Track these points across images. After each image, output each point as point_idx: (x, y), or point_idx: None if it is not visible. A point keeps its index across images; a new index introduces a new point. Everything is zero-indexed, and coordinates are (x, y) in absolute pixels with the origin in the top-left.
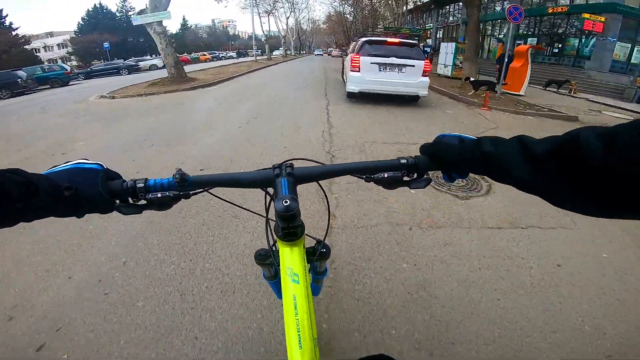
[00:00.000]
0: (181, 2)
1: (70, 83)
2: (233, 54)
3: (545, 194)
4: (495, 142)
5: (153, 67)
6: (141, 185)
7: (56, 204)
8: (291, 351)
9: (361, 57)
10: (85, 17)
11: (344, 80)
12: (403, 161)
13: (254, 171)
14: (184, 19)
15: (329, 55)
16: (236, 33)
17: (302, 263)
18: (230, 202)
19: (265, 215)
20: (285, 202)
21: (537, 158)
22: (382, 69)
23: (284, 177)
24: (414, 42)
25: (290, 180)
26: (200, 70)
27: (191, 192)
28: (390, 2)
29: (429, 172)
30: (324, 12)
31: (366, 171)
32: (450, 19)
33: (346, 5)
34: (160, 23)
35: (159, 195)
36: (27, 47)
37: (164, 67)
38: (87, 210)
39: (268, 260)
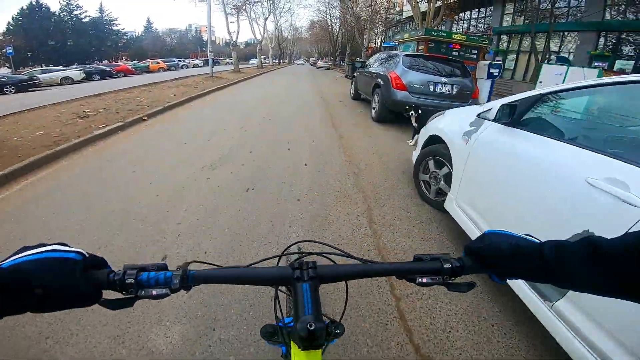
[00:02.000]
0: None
1: None
2: (199, 61)
3: (624, 294)
4: (559, 247)
5: (66, 81)
6: (131, 280)
7: (25, 301)
8: None
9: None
10: (18, 17)
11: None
12: (447, 265)
13: (269, 268)
14: (148, 21)
15: (312, 65)
16: (213, 39)
17: None
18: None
19: (275, 286)
20: (310, 325)
21: (610, 259)
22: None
23: (306, 281)
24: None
25: (314, 285)
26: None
27: (193, 285)
28: None
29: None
30: (306, 19)
31: (405, 273)
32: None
33: (334, 9)
34: None
35: (154, 292)
36: None
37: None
38: (65, 306)
39: (275, 337)
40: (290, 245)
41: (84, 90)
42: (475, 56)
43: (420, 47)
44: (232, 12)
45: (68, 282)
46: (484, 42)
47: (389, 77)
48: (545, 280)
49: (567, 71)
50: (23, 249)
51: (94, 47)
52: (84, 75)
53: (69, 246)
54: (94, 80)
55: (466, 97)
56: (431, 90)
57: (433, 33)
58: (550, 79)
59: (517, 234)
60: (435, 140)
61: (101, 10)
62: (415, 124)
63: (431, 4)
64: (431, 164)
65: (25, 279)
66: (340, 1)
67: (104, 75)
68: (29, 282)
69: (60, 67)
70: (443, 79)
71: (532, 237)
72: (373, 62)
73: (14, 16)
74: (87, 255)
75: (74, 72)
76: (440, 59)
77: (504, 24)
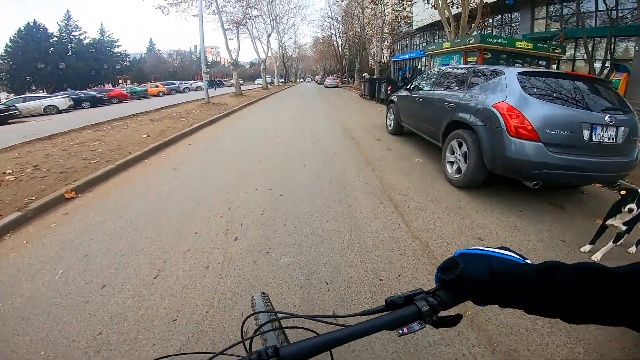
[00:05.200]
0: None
1: None
2: (202, 84)
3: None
4: (555, 270)
5: (50, 110)
6: None
7: None
8: None
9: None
10: (16, 38)
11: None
12: (425, 308)
13: None
14: (150, 42)
15: (318, 83)
16: (218, 60)
17: None
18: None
19: None
20: None
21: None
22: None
23: None
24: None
25: None
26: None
27: None
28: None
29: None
30: (310, 35)
31: (383, 328)
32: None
33: (336, 24)
34: None
35: None
36: None
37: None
38: None
39: None
40: (245, 320)
41: (58, 124)
42: (543, 68)
43: (470, 59)
44: (231, 28)
45: None
46: (556, 51)
47: (497, 113)
48: (534, 312)
49: None
50: None
51: (94, 70)
52: (71, 102)
53: None
54: (83, 108)
55: (631, 147)
56: (586, 139)
57: (491, 40)
58: None
59: (494, 251)
60: None
61: (102, 32)
62: (620, 222)
63: (465, 8)
64: None
65: None
66: (344, 14)
67: (95, 102)
68: None
69: (45, 95)
70: (602, 117)
71: (511, 252)
72: (425, 82)
73: (12, 37)
74: None
75: (60, 100)
76: (576, 78)
77: (535, 30)
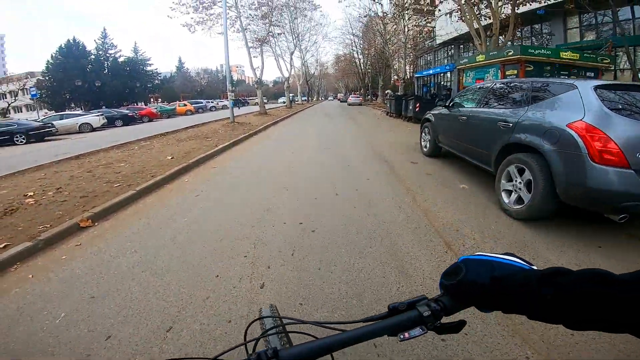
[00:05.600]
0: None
1: None
2: (227, 102)
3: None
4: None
5: (85, 128)
6: None
7: None
8: None
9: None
10: (57, 55)
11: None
12: (426, 313)
13: None
14: (179, 60)
15: (340, 101)
16: (242, 78)
17: None
18: None
19: None
20: None
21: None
22: None
23: None
24: None
25: None
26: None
27: None
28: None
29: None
30: (331, 53)
31: (384, 332)
32: None
33: (357, 40)
34: None
35: None
36: None
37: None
38: None
39: None
40: (249, 325)
41: (89, 142)
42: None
43: (510, 72)
44: (255, 46)
45: None
46: (605, 61)
47: (574, 134)
48: (536, 318)
49: None
50: None
51: (128, 88)
52: (105, 121)
53: None
54: (116, 126)
55: None
56: None
57: (532, 51)
58: None
59: (498, 257)
60: None
61: (135, 50)
62: None
63: (495, 18)
64: None
65: None
66: (365, 30)
67: (127, 120)
68: None
69: (80, 112)
70: None
71: (516, 258)
72: (468, 98)
73: (53, 54)
74: None
75: (94, 118)
76: None
77: (569, 40)
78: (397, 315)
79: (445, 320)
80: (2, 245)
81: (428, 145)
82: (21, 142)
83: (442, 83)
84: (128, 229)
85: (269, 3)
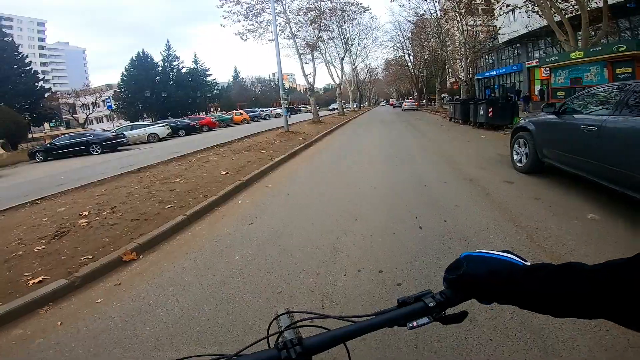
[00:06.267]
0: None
1: None
2: (280, 111)
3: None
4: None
5: (152, 138)
6: None
7: None
8: None
9: None
10: (130, 67)
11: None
12: (432, 303)
13: (255, 354)
14: (235, 70)
15: (392, 106)
16: (294, 86)
17: None
18: None
19: None
20: None
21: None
22: None
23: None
24: None
25: None
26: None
27: None
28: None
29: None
30: (381, 58)
31: (394, 321)
32: None
33: (407, 42)
34: None
35: None
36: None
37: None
38: None
39: None
40: (271, 323)
41: (154, 153)
42: None
43: (621, 70)
44: (305, 52)
45: None
46: None
47: None
48: (526, 307)
49: None
50: None
51: (191, 98)
52: (169, 131)
53: None
54: (179, 136)
55: None
56: None
57: None
58: None
59: (496, 254)
60: None
61: (196, 61)
62: None
63: (584, 10)
64: None
65: None
66: (417, 31)
67: (189, 130)
68: None
69: (148, 123)
70: None
71: (512, 255)
72: (593, 102)
73: (126, 67)
74: None
75: (160, 129)
76: None
77: None
78: (405, 307)
79: (449, 311)
80: (38, 279)
81: (526, 160)
82: (96, 152)
83: (508, 84)
84: (172, 266)
85: (317, 8)
